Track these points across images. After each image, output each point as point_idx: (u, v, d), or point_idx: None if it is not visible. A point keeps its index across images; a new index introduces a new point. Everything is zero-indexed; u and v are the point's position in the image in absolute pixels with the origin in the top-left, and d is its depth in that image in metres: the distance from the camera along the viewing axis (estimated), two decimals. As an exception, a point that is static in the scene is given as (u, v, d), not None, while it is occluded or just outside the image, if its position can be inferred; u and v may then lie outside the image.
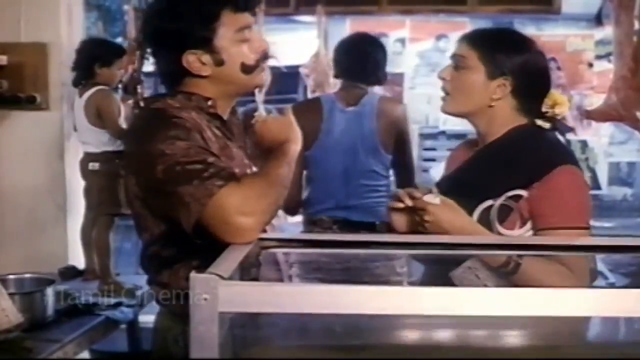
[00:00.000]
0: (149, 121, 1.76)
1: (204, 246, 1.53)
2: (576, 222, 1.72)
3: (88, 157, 4.03)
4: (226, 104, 1.83)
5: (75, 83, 4.02)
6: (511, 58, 1.80)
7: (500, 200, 1.72)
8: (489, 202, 1.73)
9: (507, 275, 1.63)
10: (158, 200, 1.67)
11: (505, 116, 1.83)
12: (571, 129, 1.88)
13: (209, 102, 1.78)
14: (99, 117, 3.94)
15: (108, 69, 3.97)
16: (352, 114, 3.10)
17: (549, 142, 1.82)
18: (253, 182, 1.64)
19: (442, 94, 1.87)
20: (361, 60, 3.17)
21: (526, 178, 1.73)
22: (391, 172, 3.20)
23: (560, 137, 1.87)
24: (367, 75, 3.18)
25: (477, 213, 1.73)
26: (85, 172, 4.05)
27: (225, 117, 1.82)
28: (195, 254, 1.62)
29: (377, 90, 3.35)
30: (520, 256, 1.62)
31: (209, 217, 1.55)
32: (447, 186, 1.83)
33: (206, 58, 1.71)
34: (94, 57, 3.98)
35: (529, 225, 1.73)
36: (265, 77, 1.84)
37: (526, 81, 1.81)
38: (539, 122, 1.85)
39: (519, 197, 1.73)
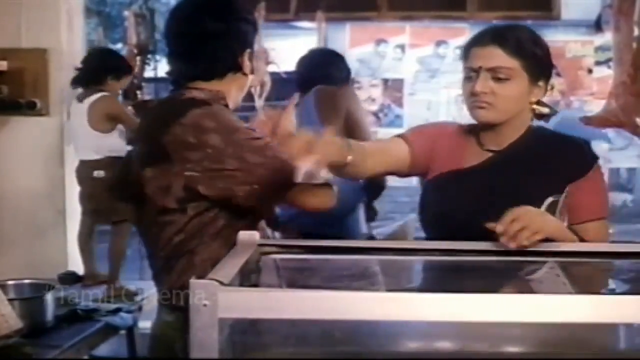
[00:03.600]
0: (192, 106, 1.81)
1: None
2: (605, 213, 1.81)
3: (90, 164, 4.04)
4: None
5: (82, 85, 4.05)
6: (546, 59, 1.79)
7: (562, 197, 1.74)
8: (550, 199, 1.73)
9: None
10: (221, 173, 1.74)
11: (527, 115, 1.81)
12: (556, 112, 1.89)
13: (221, 94, 1.87)
14: (109, 121, 3.97)
15: (117, 82, 4.08)
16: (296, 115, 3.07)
17: (578, 139, 1.85)
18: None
19: (475, 103, 1.76)
20: (313, 74, 3.17)
21: (571, 174, 1.76)
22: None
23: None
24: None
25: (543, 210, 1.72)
26: (87, 180, 4.06)
27: None
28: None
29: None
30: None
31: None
32: (468, 189, 1.79)
33: (248, 63, 1.89)
34: (108, 68, 4.07)
35: (565, 219, 1.76)
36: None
37: (548, 76, 1.81)
38: (539, 108, 1.83)
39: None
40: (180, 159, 1.76)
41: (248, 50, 1.89)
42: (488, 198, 1.76)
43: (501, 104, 1.74)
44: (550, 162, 1.79)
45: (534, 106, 1.81)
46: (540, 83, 1.78)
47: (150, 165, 1.81)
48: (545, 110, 1.82)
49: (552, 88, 1.84)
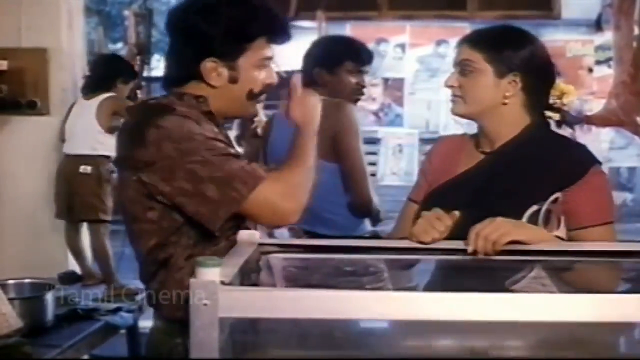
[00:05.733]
0: (154, 112, 1.71)
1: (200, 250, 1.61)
2: (609, 218, 1.79)
3: (78, 159, 4.05)
4: (217, 115, 1.79)
5: (92, 90, 4.10)
6: (516, 53, 1.80)
7: (546, 205, 1.73)
8: (534, 208, 1.73)
9: None
10: (180, 188, 1.63)
11: (516, 113, 1.82)
12: (581, 119, 1.89)
13: (201, 99, 1.75)
14: (115, 119, 4.01)
15: (125, 86, 4.16)
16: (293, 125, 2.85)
17: (574, 143, 1.86)
18: (290, 171, 1.72)
19: (450, 98, 1.85)
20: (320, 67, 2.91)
21: (563, 180, 1.75)
22: None
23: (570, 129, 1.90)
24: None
25: (524, 219, 1.71)
26: (72, 176, 4.06)
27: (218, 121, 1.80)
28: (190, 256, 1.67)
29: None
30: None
31: (255, 204, 1.62)
32: (462, 194, 1.78)
33: (223, 71, 1.73)
34: (118, 73, 4.15)
35: (562, 225, 1.75)
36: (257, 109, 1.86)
37: (534, 75, 1.81)
38: (549, 113, 1.85)
39: (557, 199, 1.75)
40: (134, 167, 1.68)
41: (211, 59, 1.71)
42: (480, 202, 1.74)
43: (468, 96, 1.82)
44: (541, 166, 1.78)
45: (547, 113, 1.82)
46: (509, 78, 1.79)
47: (120, 171, 1.80)
48: (556, 116, 1.83)
49: (563, 94, 1.84)
